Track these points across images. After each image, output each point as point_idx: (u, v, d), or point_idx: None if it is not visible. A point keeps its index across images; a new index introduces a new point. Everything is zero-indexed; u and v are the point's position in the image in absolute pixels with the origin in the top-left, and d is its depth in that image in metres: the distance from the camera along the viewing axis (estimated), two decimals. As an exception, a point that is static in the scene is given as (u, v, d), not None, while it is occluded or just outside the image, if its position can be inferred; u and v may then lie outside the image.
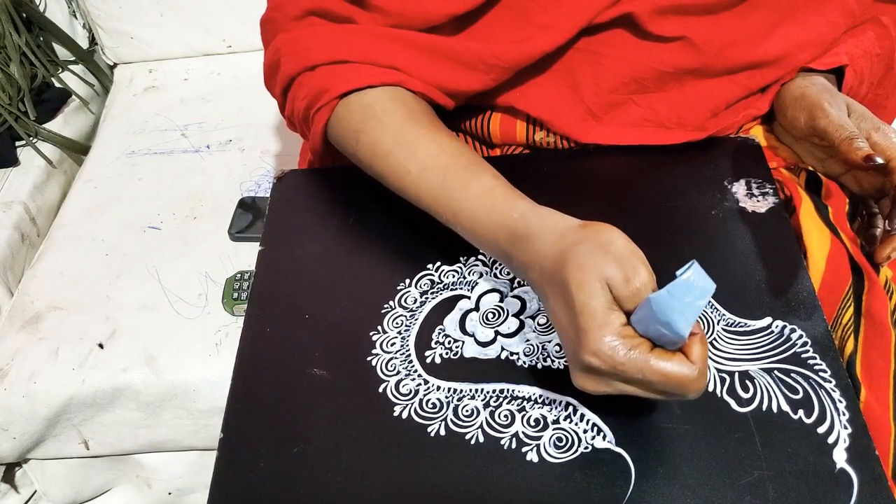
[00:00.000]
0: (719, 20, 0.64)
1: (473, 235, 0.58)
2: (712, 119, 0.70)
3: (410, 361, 0.57)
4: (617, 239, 0.48)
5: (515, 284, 0.61)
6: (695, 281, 0.43)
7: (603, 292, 0.46)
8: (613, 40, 0.66)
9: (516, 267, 0.54)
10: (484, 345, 0.58)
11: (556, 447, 0.52)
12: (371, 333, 0.59)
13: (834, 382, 0.52)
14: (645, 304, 0.45)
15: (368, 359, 0.58)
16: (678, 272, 0.44)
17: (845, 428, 0.50)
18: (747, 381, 0.53)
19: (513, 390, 0.55)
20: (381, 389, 0.56)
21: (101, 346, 0.93)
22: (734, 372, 0.54)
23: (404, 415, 0.54)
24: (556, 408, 0.53)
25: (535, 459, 0.51)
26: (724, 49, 0.65)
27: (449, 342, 0.58)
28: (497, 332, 0.58)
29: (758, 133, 0.72)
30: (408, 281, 0.62)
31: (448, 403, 0.55)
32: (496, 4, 0.64)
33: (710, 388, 0.53)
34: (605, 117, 0.70)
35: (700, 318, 0.56)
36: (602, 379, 0.47)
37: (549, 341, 0.57)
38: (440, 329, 0.59)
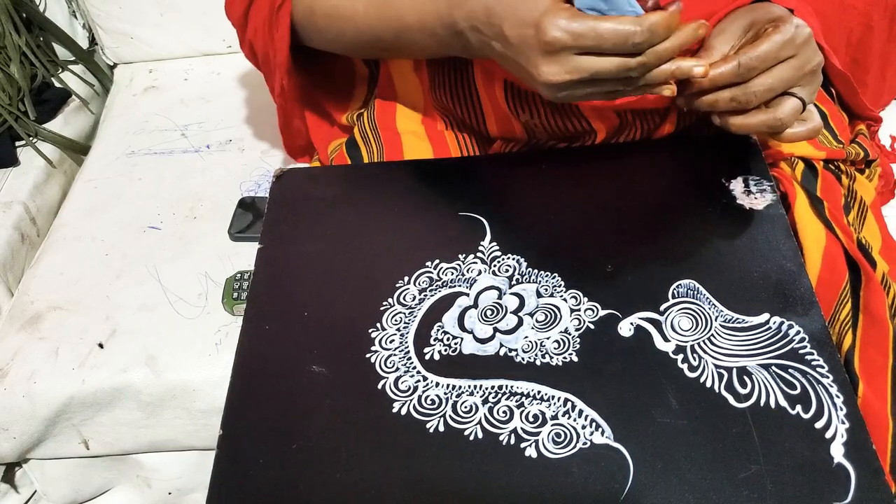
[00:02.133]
0: None
1: (421, 27, 0.62)
2: None
3: (409, 358, 0.58)
4: None
5: (514, 282, 0.61)
6: None
7: None
8: None
9: (462, 30, 0.58)
10: (482, 341, 0.58)
11: (555, 443, 0.52)
12: (370, 330, 0.59)
13: (832, 378, 0.52)
14: None
15: (367, 356, 0.58)
16: None
17: (843, 423, 0.50)
18: (745, 377, 0.53)
19: (511, 386, 0.55)
20: (380, 386, 0.56)
21: (101, 345, 0.93)
22: (732, 368, 0.54)
23: (403, 411, 0.55)
24: (554, 404, 0.54)
25: (534, 455, 0.51)
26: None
27: (448, 339, 0.58)
28: (495, 329, 0.59)
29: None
30: (406, 278, 0.63)
31: (447, 400, 0.55)
32: None
33: (709, 384, 0.53)
34: None
35: (698, 314, 0.56)
36: (562, 57, 0.51)
37: (548, 338, 0.57)
38: (439, 326, 0.59)
